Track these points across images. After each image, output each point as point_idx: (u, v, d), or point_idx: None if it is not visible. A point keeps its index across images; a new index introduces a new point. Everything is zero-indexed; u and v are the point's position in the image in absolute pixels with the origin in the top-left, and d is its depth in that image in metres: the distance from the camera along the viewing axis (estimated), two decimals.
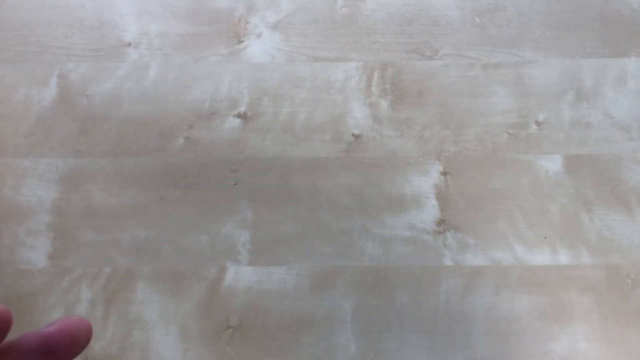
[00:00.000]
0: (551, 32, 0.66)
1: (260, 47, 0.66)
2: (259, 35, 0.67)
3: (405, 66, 0.65)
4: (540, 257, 0.56)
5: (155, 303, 0.55)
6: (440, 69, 0.65)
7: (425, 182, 0.59)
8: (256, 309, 0.55)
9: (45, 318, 0.54)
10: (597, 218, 0.57)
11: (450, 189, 0.59)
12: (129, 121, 0.62)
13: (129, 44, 0.67)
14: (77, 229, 0.58)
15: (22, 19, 0.68)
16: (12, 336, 0.19)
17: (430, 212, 0.58)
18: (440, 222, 0.57)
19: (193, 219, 0.58)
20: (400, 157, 0.60)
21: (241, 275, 0.56)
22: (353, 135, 0.61)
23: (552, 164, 0.59)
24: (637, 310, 0.54)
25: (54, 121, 0.63)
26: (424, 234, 0.57)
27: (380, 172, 0.60)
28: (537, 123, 0.61)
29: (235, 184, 0.59)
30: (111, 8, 0.69)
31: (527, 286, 0.55)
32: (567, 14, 0.67)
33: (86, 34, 0.67)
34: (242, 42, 0.67)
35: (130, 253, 0.57)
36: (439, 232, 0.57)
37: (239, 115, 0.63)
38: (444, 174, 0.59)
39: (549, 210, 0.58)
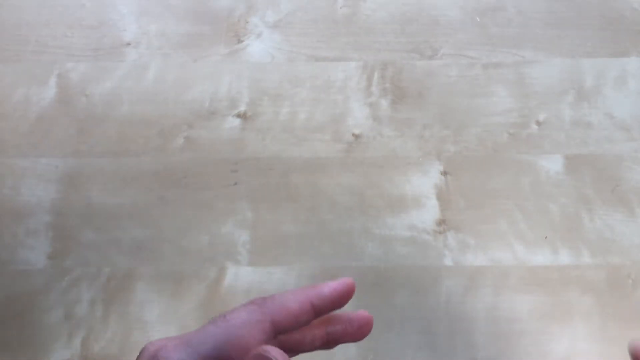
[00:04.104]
0: (552, 32, 0.66)
1: (260, 46, 0.66)
2: (258, 35, 0.67)
3: (405, 66, 0.65)
4: (540, 257, 0.56)
5: (155, 303, 0.55)
6: (440, 68, 0.64)
7: (425, 182, 0.59)
8: None
9: (45, 318, 0.54)
10: (597, 218, 0.57)
11: (451, 189, 0.59)
12: (129, 121, 0.62)
13: (129, 44, 0.67)
14: (76, 229, 0.58)
15: (22, 18, 0.68)
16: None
17: (430, 212, 0.58)
18: (441, 222, 0.57)
19: (193, 219, 0.58)
20: (401, 157, 0.60)
21: (241, 276, 0.56)
22: (353, 135, 0.61)
23: (552, 164, 0.59)
24: (638, 310, 0.54)
25: (53, 121, 0.62)
26: (424, 234, 0.57)
27: (380, 172, 0.60)
28: (538, 123, 0.61)
29: (235, 184, 0.59)
30: (111, 8, 0.69)
31: (527, 286, 0.55)
32: (568, 14, 0.67)
33: (86, 33, 0.67)
34: (242, 41, 0.67)
35: (130, 253, 0.57)
36: (440, 232, 0.57)
37: (238, 115, 0.62)
38: (444, 173, 0.59)
39: (550, 210, 0.58)
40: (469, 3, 0.68)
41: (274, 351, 0.21)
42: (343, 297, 0.27)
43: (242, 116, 0.62)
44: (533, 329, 0.53)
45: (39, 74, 0.65)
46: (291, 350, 0.26)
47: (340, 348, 0.53)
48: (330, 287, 0.26)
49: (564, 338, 0.53)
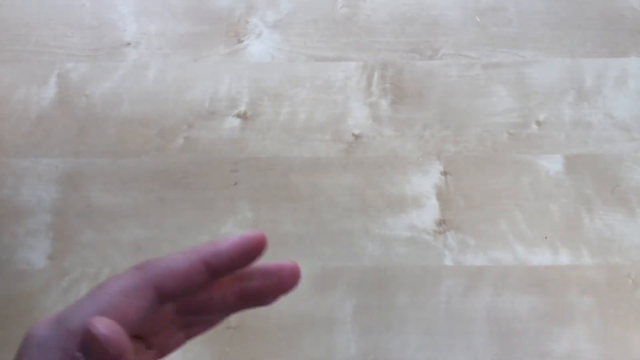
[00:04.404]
0: (552, 32, 0.66)
1: (260, 46, 0.66)
2: (258, 35, 0.67)
3: (405, 66, 0.65)
4: (540, 257, 0.56)
5: None
6: (440, 68, 0.64)
7: (425, 182, 0.59)
8: (256, 310, 0.54)
9: None
10: (597, 218, 0.57)
11: (451, 189, 0.59)
12: (129, 121, 0.62)
13: (129, 44, 0.66)
14: (76, 229, 0.58)
15: (22, 18, 0.68)
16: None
17: (430, 212, 0.58)
18: (441, 222, 0.57)
19: (193, 219, 0.58)
20: (401, 157, 0.60)
21: None
22: (353, 135, 0.61)
23: (552, 164, 0.59)
24: (638, 310, 0.54)
25: (53, 121, 0.62)
26: (425, 234, 0.57)
27: (380, 172, 0.59)
28: (538, 123, 0.61)
29: (235, 184, 0.59)
30: (111, 8, 0.69)
31: (527, 286, 0.55)
32: (568, 14, 0.67)
33: (86, 33, 0.67)
34: (242, 41, 0.67)
35: (129, 253, 0.57)
36: (440, 232, 0.57)
37: (238, 115, 0.62)
38: (445, 174, 0.59)
39: (550, 210, 0.58)
40: (469, 3, 0.68)
41: (100, 323, 0.19)
42: (248, 253, 0.23)
43: (242, 116, 0.62)
44: (533, 328, 0.53)
45: (39, 74, 0.65)
46: (199, 312, 0.24)
47: (340, 348, 0.53)
48: (228, 241, 0.22)
49: (564, 338, 0.53)
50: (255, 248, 0.23)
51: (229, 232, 0.57)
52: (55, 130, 0.62)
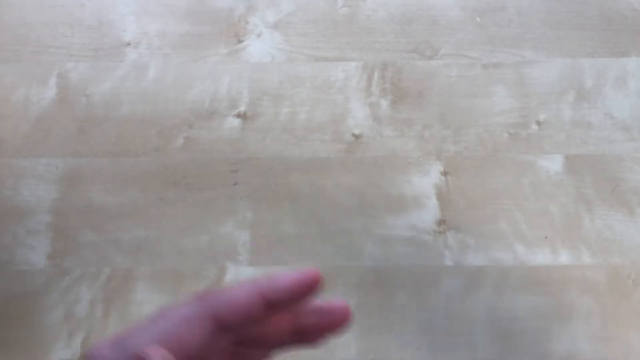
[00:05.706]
0: (552, 32, 0.66)
1: (260, 47, 0.66)
2: (258, 35, 0.67)
3: (405, 66, 0.65)
4: (540, 257, 0.56)
5: (155, 303, 0.55)
6: (440, 68, 0.64)
7: (425, 182, 0.59)
8: None
9: (45, 318, 0.54)
10: (597, 218, 0.57)
11: (451, 189, 0.59)
12: (129, 121, 0.62)
13: (129, 44, 0.67)
14: (76, 229, 0.58)
15: (21, 18, 0.68)
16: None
17: (430, 212, 0.58)
18: (441, 222, 0.57)
19: (193, 219, 0.58)
20: (401, 157, 0.60)
21: (241, 276, 0.56)
22: (353, 135, 0.61)
23: (552, 164, 0.59)
24: (638, 310, 0.54)
25: (53, 121, 0.62)
26: (425, 234, 0.57)
27: (380, 172, 0.60)
28: (538, 123, 0.61)
29: (235, 184, 0.59)
30: (111, 8, 0.69)
31: (527, 286, 0.55)
32: (568, 14, 0.67)
33: (86, 33, 0.67)
34: (242, 41, 0.67)
35: (129, 253, 0.57)
36: (440, 232, 0.57)
37: (238, 115, 0.62)
38: (445, 174, 0.59)
39: (550, 210, 0.58)
40: (469, 3, 0.68)
41: (155, 354, 0.20)
42: (304, 289, 0.24)
43: (242, 116, 0.62)
44: (533, 328, 0.53)
45: (39, 74, 0.65)
46: (252, 346, 0.25)
47: (340, 348, 0.53)
48: (285, 278, 0.23)
49: (564, 338, 0.53)
50: (311, 284, 0.24)
51: (229, 232, 0.57)
52: (55, 130, 0.62)
